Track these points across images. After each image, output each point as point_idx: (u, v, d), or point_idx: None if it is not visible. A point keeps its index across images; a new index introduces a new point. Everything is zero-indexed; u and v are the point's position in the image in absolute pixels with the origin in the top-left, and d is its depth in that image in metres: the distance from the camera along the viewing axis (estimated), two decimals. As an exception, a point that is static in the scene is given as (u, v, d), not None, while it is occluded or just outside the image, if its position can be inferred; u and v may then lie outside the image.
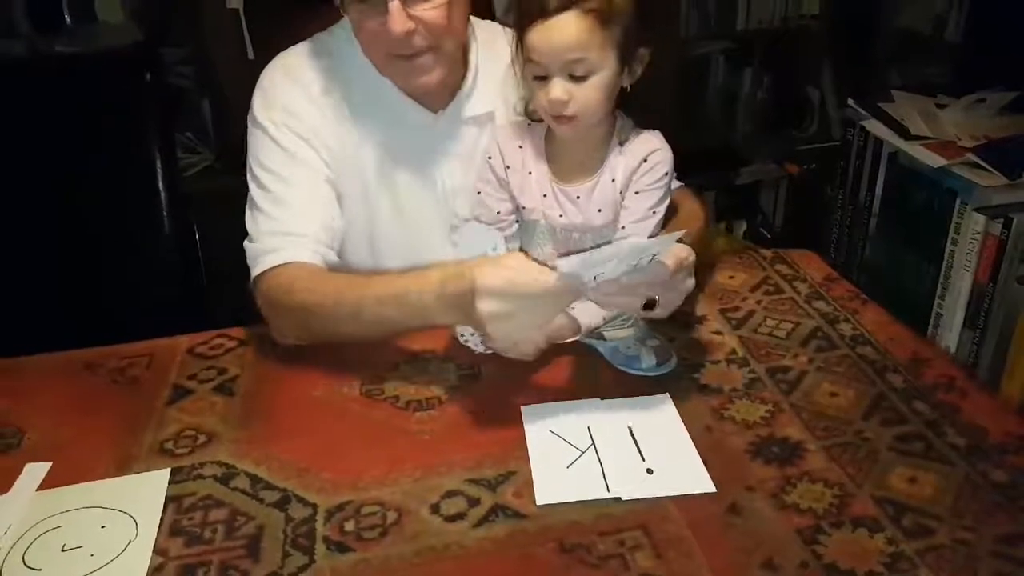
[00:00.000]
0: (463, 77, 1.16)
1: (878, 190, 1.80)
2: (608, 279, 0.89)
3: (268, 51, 1.21)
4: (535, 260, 1.02)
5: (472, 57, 1.16)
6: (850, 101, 1.89)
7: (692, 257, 0.92)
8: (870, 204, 1.83)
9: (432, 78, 1.08)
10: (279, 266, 1.06)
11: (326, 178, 1.13)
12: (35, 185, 1.50)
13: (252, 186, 1.13)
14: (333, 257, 1.11)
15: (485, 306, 0.87)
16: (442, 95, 1.15)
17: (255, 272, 1.08)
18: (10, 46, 2.06)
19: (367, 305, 0.98)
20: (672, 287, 0.92)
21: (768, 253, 1.26)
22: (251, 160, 1.14)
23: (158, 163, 1.52)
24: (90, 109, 1.53)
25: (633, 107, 1.07)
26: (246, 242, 1.11)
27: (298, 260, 1.06)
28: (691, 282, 0.94)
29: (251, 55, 2.18)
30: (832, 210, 1.97)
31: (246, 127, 1.15)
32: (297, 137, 1.12)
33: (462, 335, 1.04)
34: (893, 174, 1.76)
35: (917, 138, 1.70)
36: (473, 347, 1.04)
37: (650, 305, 0.93)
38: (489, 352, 1.00)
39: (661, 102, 1.10)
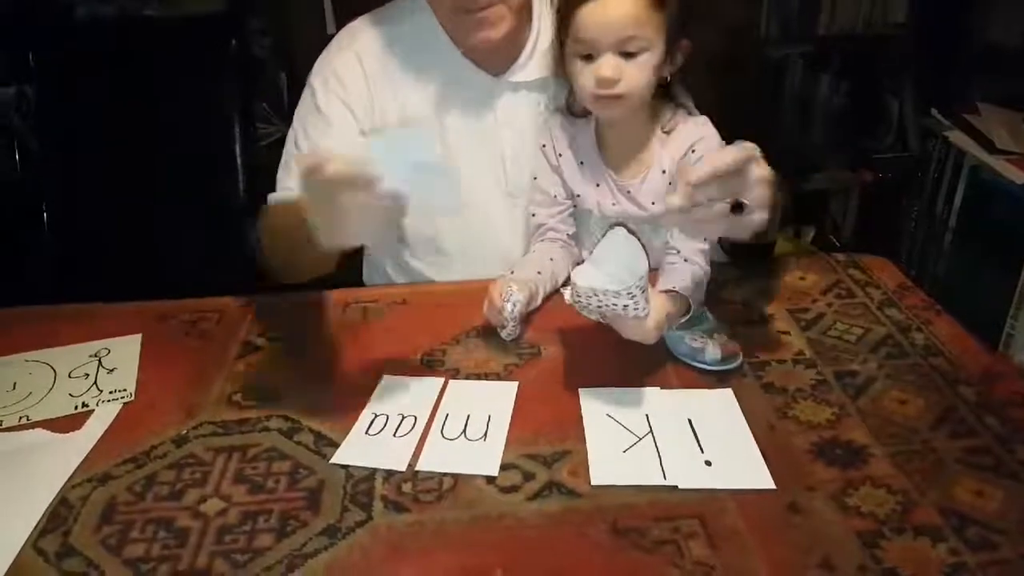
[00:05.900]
0: (525, 40, 1.16)
1: (956, 203, 1.76)
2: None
3: (349, 26, 1.23)
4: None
5: (535, 20, 1.16)
6: (933, 111, 1.85)
7: (756, 149, 0.86)
8: (947, 217, 1.79)
9: (498, 32, 1.07)
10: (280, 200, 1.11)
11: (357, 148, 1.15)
12: (117, 142, 1.55)
13: (288, 138, 1.18)
14: None
15: None
16: (503, 58, 1.15)
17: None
18: (101, 8, 2.12)
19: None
20: (749, 183, 0.84)
21: (841, 256, 1.24)
22: (295, 114, 1.19)
23: (236, 128, 1.56)
24: (174, 73, 1.57)
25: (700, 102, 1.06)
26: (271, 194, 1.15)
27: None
28: (764, 171, 0.85)
29: (331, 29, 2.22)
30: (906, 221, 1.93)
31: None
32: (340, 103, 1.15)
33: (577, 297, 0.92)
34: (973, 188, 1.72)
35: (1002, 152, 1.65)
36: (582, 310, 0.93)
37: (739, 207, 0.84)
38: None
39: (735, 102, 1.09)
